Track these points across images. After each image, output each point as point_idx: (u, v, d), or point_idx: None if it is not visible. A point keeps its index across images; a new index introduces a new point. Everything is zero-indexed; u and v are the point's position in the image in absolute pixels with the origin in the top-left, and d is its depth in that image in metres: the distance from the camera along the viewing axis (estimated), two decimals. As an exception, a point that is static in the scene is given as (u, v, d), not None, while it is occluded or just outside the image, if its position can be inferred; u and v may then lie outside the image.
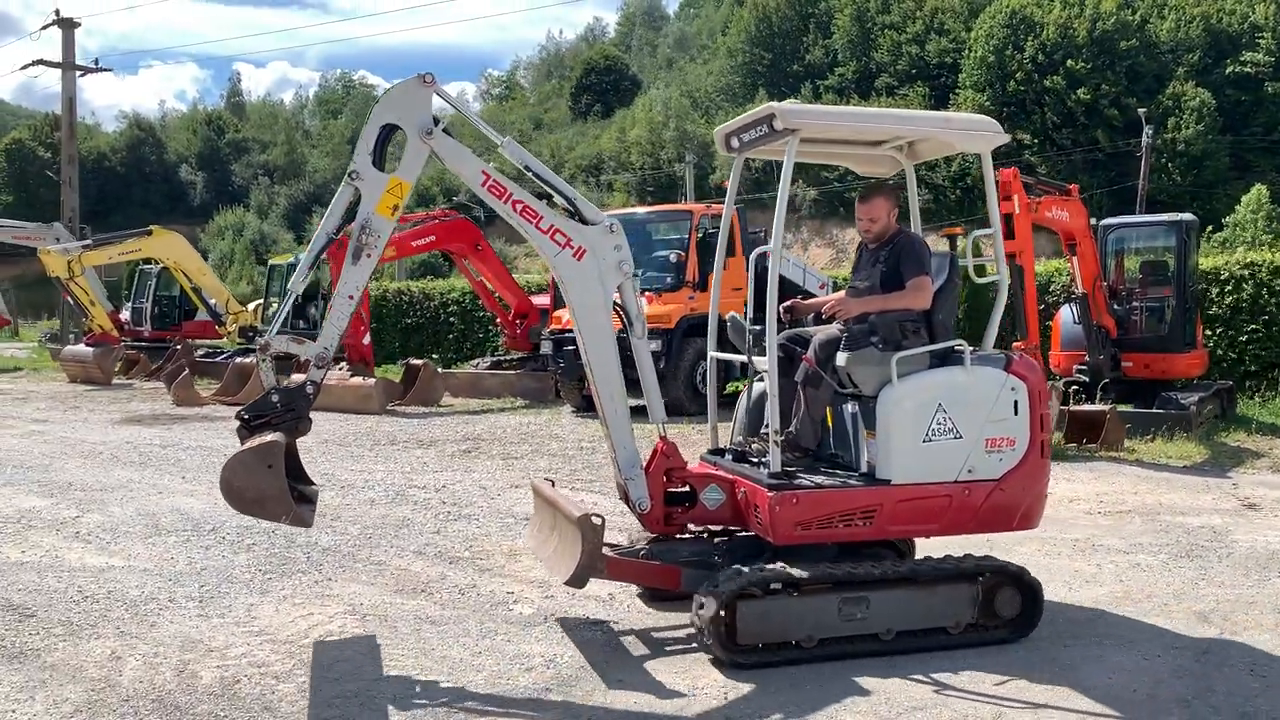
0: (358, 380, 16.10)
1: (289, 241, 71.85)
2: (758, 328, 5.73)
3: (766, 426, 5.30)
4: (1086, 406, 12.12)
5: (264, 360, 5.17)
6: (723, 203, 18.32)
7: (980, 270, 5.88)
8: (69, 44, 32.50)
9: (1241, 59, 53.22)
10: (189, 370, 17.84)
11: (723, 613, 4.80)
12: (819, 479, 5.25)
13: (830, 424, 5.69)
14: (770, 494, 5.02)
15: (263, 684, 4.75)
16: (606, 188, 66.93)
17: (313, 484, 5.51)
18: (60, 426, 14.07)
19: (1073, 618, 5.71)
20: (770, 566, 4.98)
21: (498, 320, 19.27)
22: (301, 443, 5.29)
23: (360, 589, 6.30)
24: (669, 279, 15.61)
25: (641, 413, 5.58)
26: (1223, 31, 55.09)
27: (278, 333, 5.26)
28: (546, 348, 15.66)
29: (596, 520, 4.98)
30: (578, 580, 5.08)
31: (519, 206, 5.24)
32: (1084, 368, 13.11)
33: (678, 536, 5.72)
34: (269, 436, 4.91)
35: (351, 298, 5.22)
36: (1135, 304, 13.64)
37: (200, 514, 8.36)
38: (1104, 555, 7.07)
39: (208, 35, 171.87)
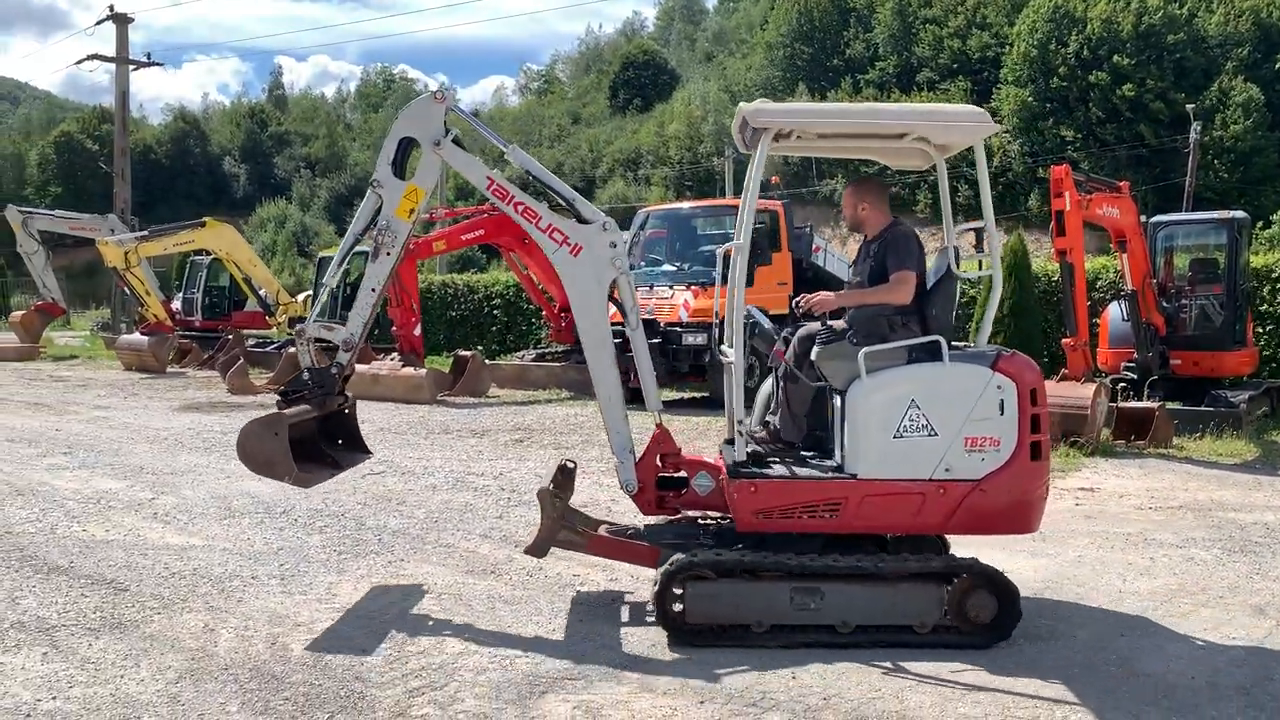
0: (409, 370, 16.40)
1: (330, 234, 72.58)
2: (769, 324, 5.94)
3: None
4: (1135, 403, 12.16)
5: (302, 344, 5.99)
6: (772, 197, 18.45)
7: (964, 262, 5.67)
8: (123, 38, 33.11)
9: (1292, 53, 52.34)
10: (243, 360, 18.18)
11: (674, 591, 5.04)
12: (788, 469, 5.32)
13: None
14: (732, 482, 5.22)
15: (350, 656, 4.99)
16: (644, 181, 67.04)
17: (369, 453, 6.60)
18: (122, 413, 14.45)
19: (1128, 608, 5.83)
20: (720, 552, 5.18)
21: (543, 313, 19.48)
22: (365, 431, 6.19)
23: (432, 570, 6.54)
24: (714, 273, 15.72)
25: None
26: (1273, 25, 54.19)
27: (314, 320, 6.07)
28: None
29: (557, 496, 5.53)
30: (536, 549, 5.64)
31: (520, 207, 5.73)
32: (1132, 365, 13.15)
33: (682, 520, 5.90)
34: (291, 409, 5.74)
35: (374, 290, 5.90)
36: (1185, 301, 13.63)
37: (270, 498, 8.64)
38: (1157, 549, 7.17)
39: (250, 29, 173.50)
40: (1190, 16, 54.79)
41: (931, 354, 5.18)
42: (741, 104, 5.54)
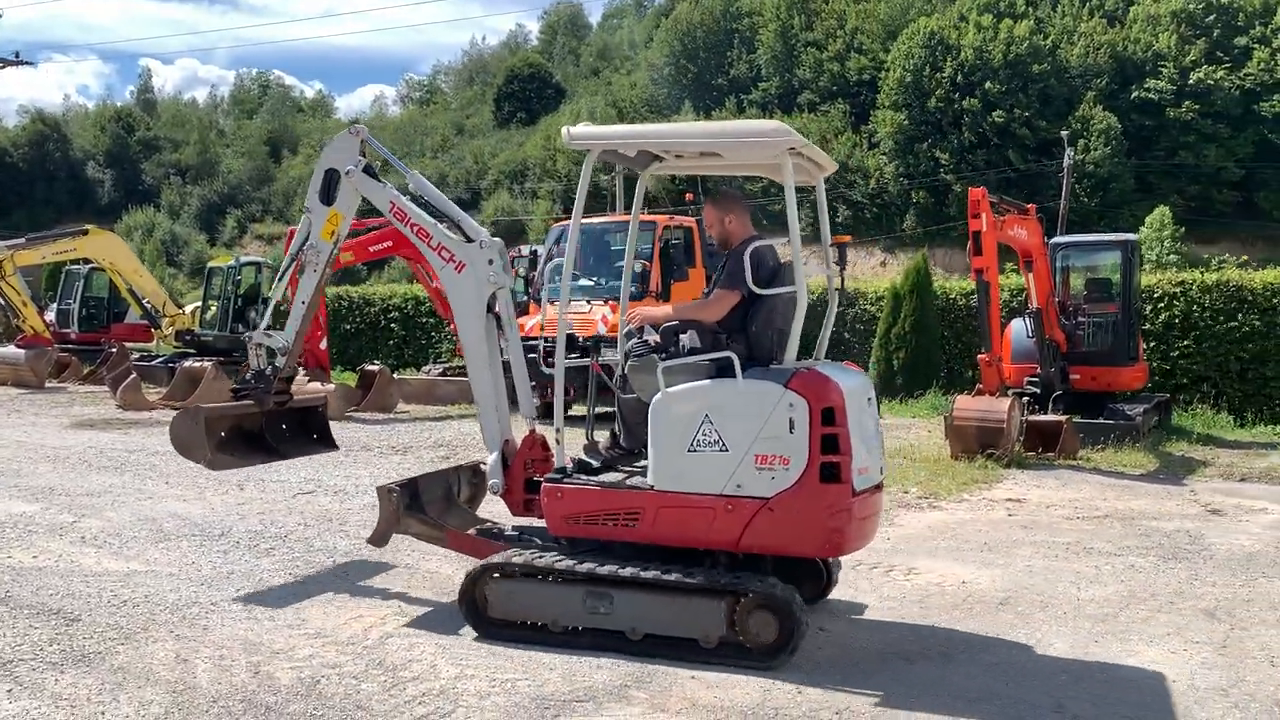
0: (315, 385, 15.91)
1: (201, 243, 70.11)
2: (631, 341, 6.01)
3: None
4: (1044, 417, 12.66)
5: (253, 350, 6.88)
6: (686, 214, 18.54)
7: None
8: (-12, 35, 31.32)
9: (1145, 85, 55.48)
10: (135, 374, 17.38)
11: (474, 586, 5.42)
12: (602, 478, 5.50)
13: None
14: (544, 486, 5.50)
15: (344, 684, 4.81)
16: (531, 195, 66.80)
17: (335, 447, 7.71)
18: (9, 430, 13.63)
19: (1092, 615, 6.07)
20: (521, 553, 5.50)
21: (451, 326, 19.20)
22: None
23: (399, 591, 6.35)
24: (634, 288, 15.78)
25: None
26: (1129, 59, 57.34)
27: (262, 330, 6.84)
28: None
29: (393, 491, 5.98)
30: (376, 539, 6.14)
31: (415, 228, 6.29)
32: (1035, 379, 13.67)
33: None
34: (214, 404, 7.07)
35: (304, 303, 6.78)
36: (1081, 319, 14.28)
37: (202, 519, 8.28)
38: (1098, 558, 7.48)
39: (113, 29, 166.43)
40: (1054, 47, 57.60)
41: (729, 370, 5.17)
42: (564, 126, 5.86)
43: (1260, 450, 12.98)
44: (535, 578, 5.39)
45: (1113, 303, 14.28)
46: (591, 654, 5.17)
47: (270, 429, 7.05)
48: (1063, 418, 12.44)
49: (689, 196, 19.17)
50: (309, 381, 15.96)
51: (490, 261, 6.06)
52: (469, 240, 6.13)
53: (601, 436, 6.01)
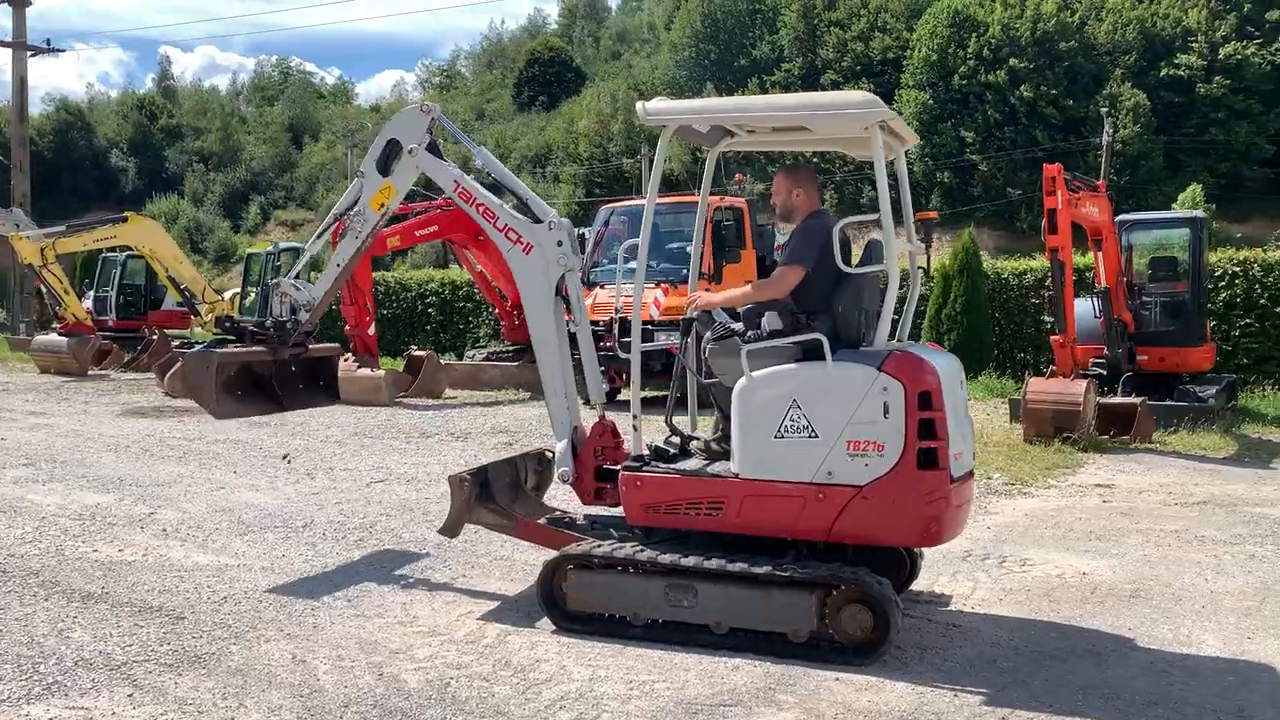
0: (365, 371, 15.77)
1: (225, 230, 70.14)
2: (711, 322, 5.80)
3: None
4: (1117, 399, 12.36)
5: (276, 296, 6.84)
6: (736, 194, 18.26)
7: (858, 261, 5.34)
8: (20, 22, 31.27)
9: (1175, 62, 54.69)
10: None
11: (552, 577, 5.25)
12: (680, 465, 5.31)
13: None
14: (622, 474, 5.27)
15: (475, 686, 4.60)
16: (553, 179, 66.49)
17: (337, 398, 7.53)
18: (63, 419, 13.51)
19: (1232, 609, 5.80)
20: (600, 543, 5.31)
21: (496, 311, 19.00)
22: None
23: (501, 585, 6.15)
24: (684, 270, 15.52)
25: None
26: (1157, 35, 56.53)
27: (290, 280, 6.75)
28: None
29: (464, 480, 5.77)
30: (447, 529, 5.92)
31: (481, 208, 6.09)
32: (1101, 361, 13.36)
33: None
34: (230, 349, 6.79)
35: (339, 265, 6.60)
36: (1146, 299, 13.94)
37: (280, 510, 8.10)
38: (1213, 547, 7.20)
39: (131, 17, 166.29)
40: (1081, 24, 56.83)
41: (817, 353, 4.96)
42: (639, 102, 5.52)
43: (1338, 432, 12.65)
44: (615, 569, 5.21)
45: (1180, 281, 13.93)
46: (726, 654, 4.93)
47: (280, 378, 6.92)
48: (1136, 400, 12.14)
49: (739, 178, 18.90)
50: (358, 368, 15.80)
51: (559, 243, 5.85)
52: (537, 221, 5.92)
53: (681, 421, 5.75)
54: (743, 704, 4.43)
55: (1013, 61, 54.82)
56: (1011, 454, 10.82)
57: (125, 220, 20.87)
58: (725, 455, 5.44)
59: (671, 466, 5.33)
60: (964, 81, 55.71)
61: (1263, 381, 15.62)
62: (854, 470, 4.80)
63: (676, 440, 5.62)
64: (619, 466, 5.44)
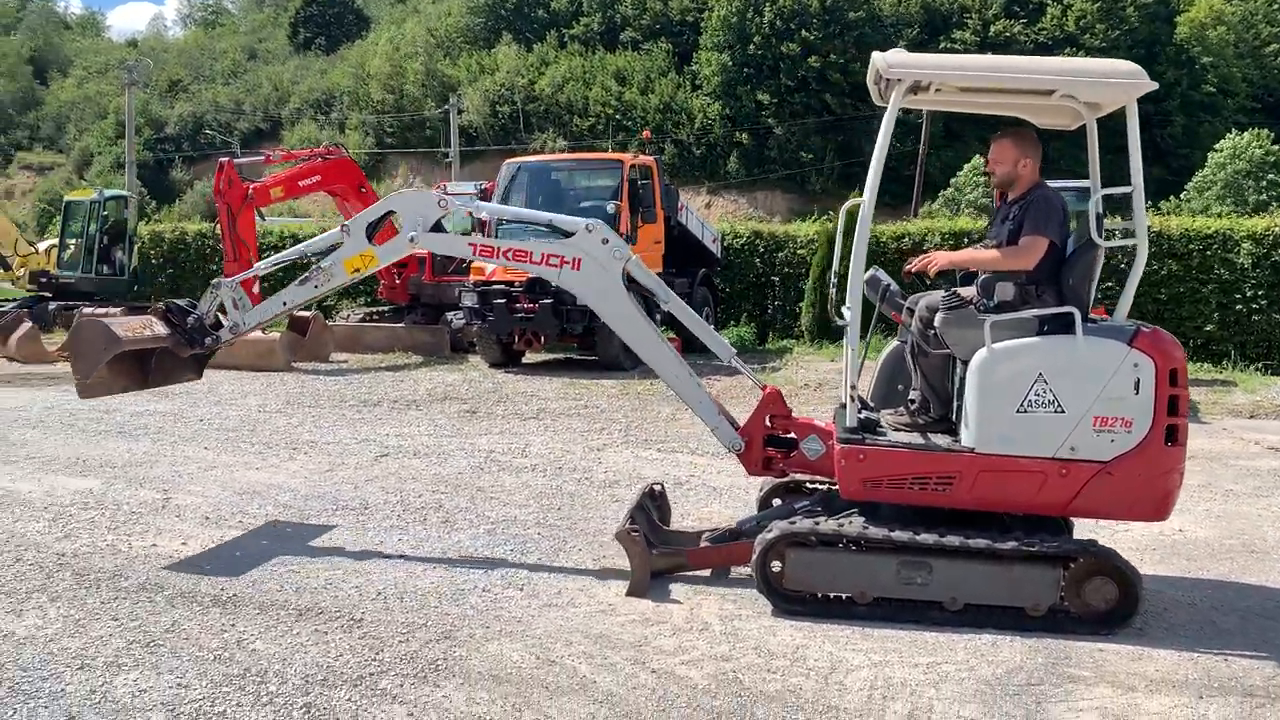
0: (257, 334, 14.48)
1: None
2: (894, 285, 5.86)
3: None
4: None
5: (211, 294, 6.20)
6: (649, 155, 17.81)
7: (1110, 234, 5.30)
8: None
9: (953, 36, 58.24)
10: (29, 323, 15.32)
11: (768, 558, 5.03)
12: (903, 438, 5.21)
13: None
14: (840, 448, 5.11)
15: (768, 679, 4.30)
16: (338, 126, 63.48)
17: (199, 376, 6.69)
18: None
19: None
20: (819, 521, 5.13)
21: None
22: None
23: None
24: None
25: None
26: (937, 10, 60.05)
27: (234, 281, 6.19)
28: (469, 300, 14.67)
29: (633, 532, 5.31)
30: (635, 590, 5.30)
31: (510, 254, 6.01)
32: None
33: (780, 502, 5.99)
34: (139, 335, 6.03)
35: (284, 304, 6.30)
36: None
37: (315, 492, 7.35)
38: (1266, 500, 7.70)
39: None
40: (868, -5, 59.45)
41: (1064, 326, 4.90)
42: (875, 54, 5.20)
43: None
44: (837, 547, 5.05)
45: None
46: (968, 631, 4.85)
47: (159, 360, 6.32)
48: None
49: (646, 134, 18.50)
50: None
51: (605, 241, 5.74)
52: (568, 235, 5.81)
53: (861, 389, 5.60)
54: (1047, 681, 4.36)
55: (803, 32, 56.73)
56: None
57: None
58: (928, 428, 5.37)
59: (897, 439, 5.16)
60: (759, 50, 57.13)
61: None
62: (1099, 446, 4.80)
63: (912, 421, 5.40)
64: (836, 439, 5.18)
